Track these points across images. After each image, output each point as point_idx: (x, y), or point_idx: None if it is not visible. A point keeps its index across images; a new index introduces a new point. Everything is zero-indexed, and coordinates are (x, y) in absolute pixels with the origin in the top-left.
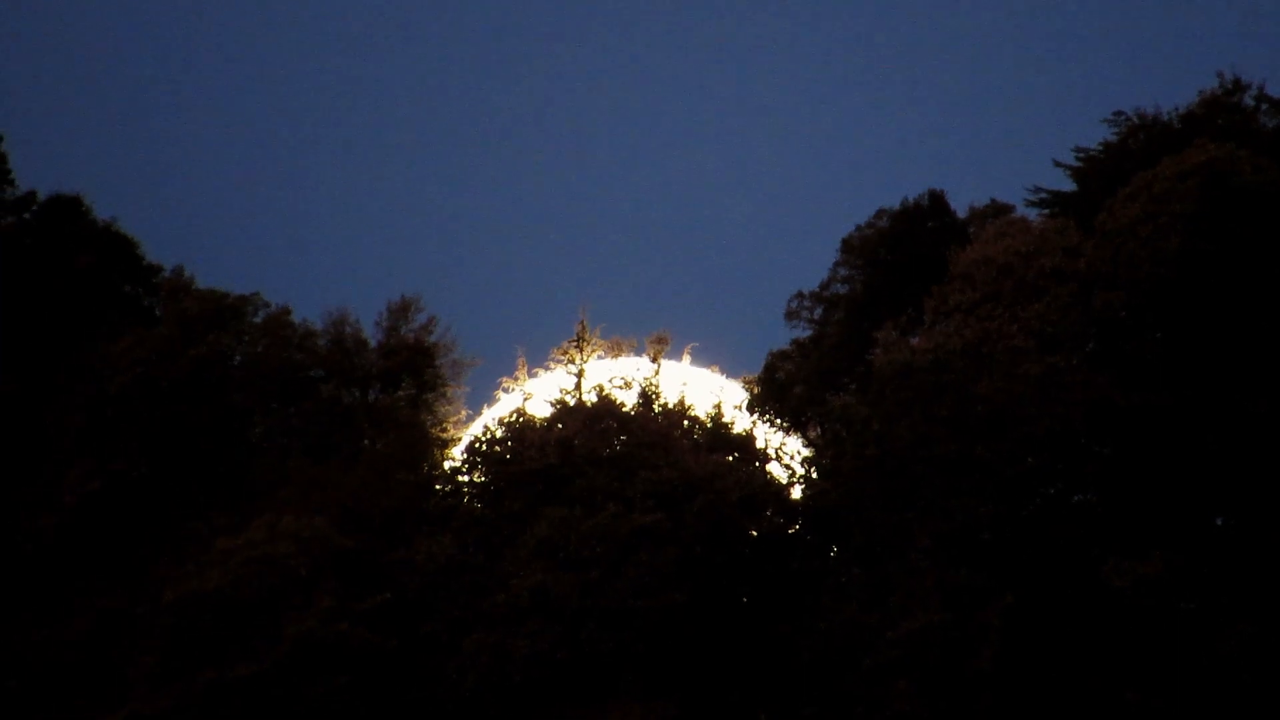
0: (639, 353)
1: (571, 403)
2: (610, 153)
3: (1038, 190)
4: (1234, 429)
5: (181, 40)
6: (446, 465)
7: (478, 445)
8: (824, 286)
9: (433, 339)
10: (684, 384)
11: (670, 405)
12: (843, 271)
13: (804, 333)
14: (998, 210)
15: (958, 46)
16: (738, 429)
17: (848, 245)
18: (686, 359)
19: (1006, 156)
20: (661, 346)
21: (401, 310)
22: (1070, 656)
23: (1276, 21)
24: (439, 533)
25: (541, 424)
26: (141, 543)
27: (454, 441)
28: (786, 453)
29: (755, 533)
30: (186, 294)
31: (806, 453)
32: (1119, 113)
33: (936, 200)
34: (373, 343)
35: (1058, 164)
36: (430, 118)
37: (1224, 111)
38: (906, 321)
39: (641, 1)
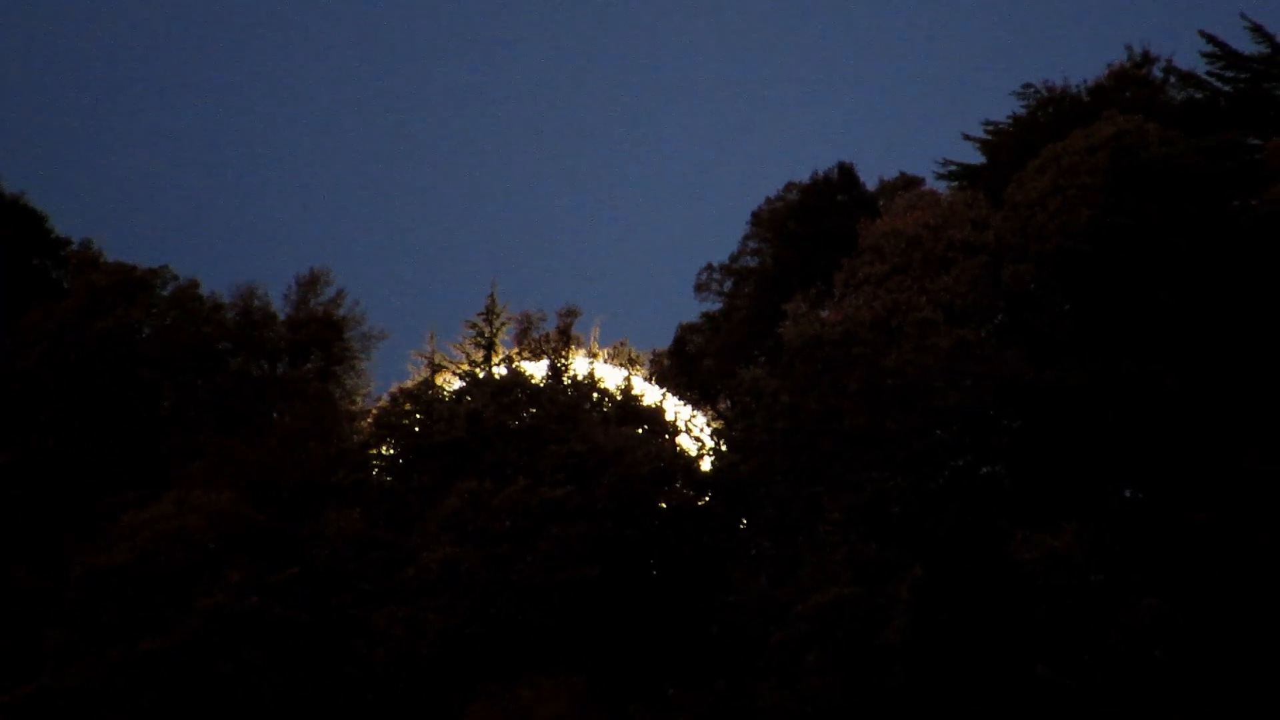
0: (549, 325)
1: (480, 375)
2: (521, 128)
3: (947, 163)
4: (1142, 402)
5: (89, 15)
6: (356, 438)
7: (387, 418)
8: (734, 259)
9: (341, 312)
10: (593, 356)
11: (580, 377)
12: (752, 244)
13: (714, 305)
14: (907, 183)
15: (867, 20)
16: (648, 402)
17: (757, 218)
18: (596, 332)
19: (915, 129)
20: (571, 319)
21: (310, 283)
22: (980, 630)
23: None
24: (349, 506)
25: (450, 396)
26: (51, 517)
27: (364, 415)
28: (697, 425)
29: (665, 506)
30: (95, 267)
31: (717, 425)
32: (1028, 85)
33: (846, 173)
34: (281, 316)
35: (967, 137)
36: (338, 92)
37: (1133, 84)
38: (816, 294)
39: None
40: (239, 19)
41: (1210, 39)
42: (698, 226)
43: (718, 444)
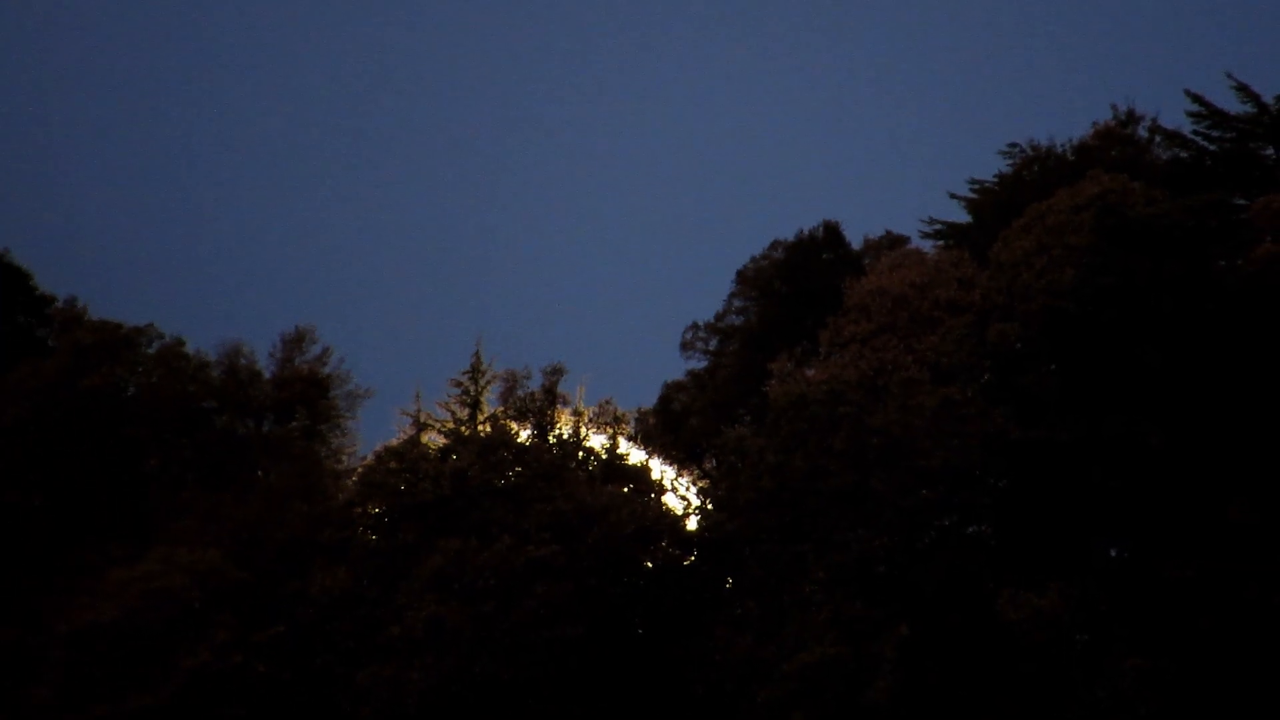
0: (535, 384)
1: (466, 434)
2: (507, 188)
3: (932, 221)
4: (1127, 459)
5: (66, 66)
6: (341, 497)
7: (372, 476)
8: (719, 317)
9: (327, 370)
10: (579, 415)
11: (565, 436)
12: (738, 303)
13: (699, 364)
14: (893, 242)
15: (852, 77)
16: (633, 460)
17: (743, 276)
18: (582, 390)
19: (901, 188)
20: (557, 377)
21: (295, 341)
22: (967, 689)
23: (1167, 54)
24: (334, 564)
25: (436, 454)
26: (36, 574)
27: (349, 473)
28: (682, 484)
29: (651, 564)
30: (80, 325)
31: (702, 484)
32: (1013, 144)
33: (831, 231)
34: (267, 374)
35: (953, 195)
36: (321, 150)
37: (1118, 143)
38: (801, 353)
39: (525, 37)
40: (224, 69)
41: (1196, 98)
42: (683, 285)
43: (703, 503)
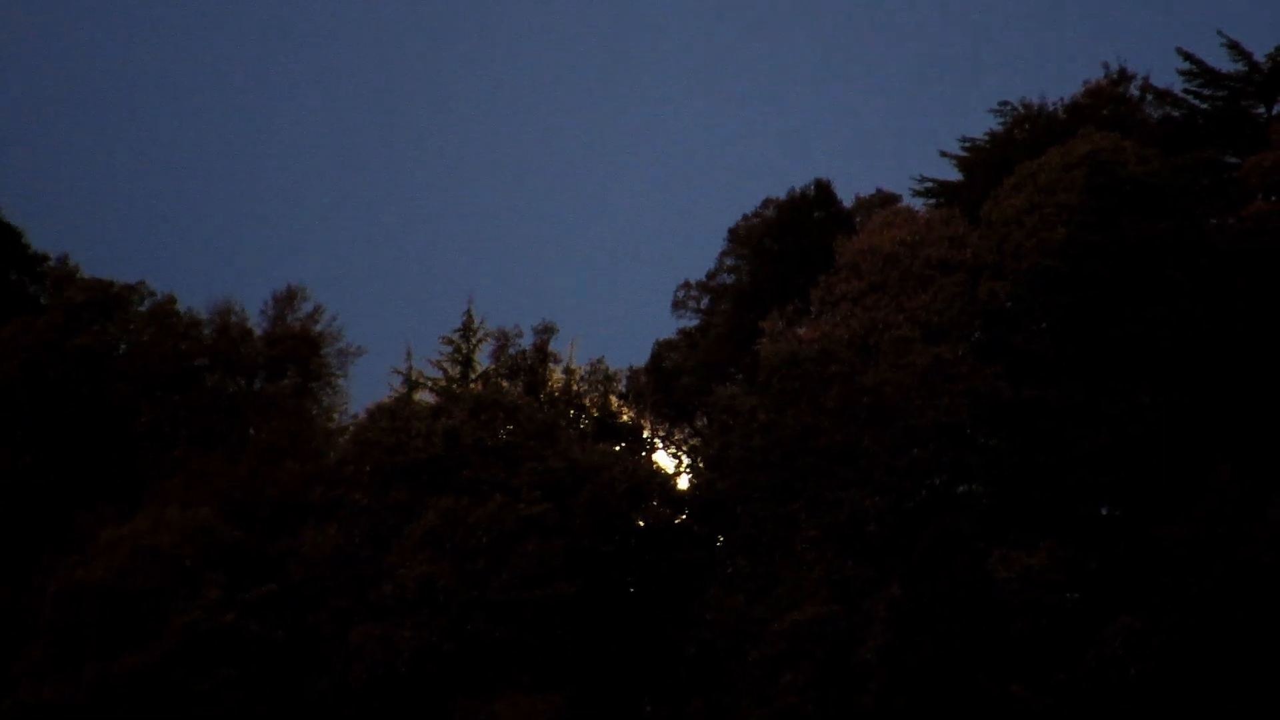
0: (527, 342)
1: (458, 392)
2: (498, 145)
3: (924, 180)
4: (1118, 418)
5: (65, 29)
6: (333, 455)
7: (364, 435)
8: (711, 276)
9: (318, 328)
10: (570, 373)
11: (557, 394)
12: (729, 261)
13: (691, 323)
14: (884, 200)
15: (843, 36)
16: (624, 419)
17: (734, 235)
18: (573, 349)
19: (892, 146)
20: (548, 335)
21: (287, 299)
22: (957, 648)
23: (1159, 12)
24: (325, 523)
25: (427, 413)
26: (27, 533)
27: (340, 431)
28: (673, 443)
29: (642, 523)
30: (72, 283)
31: (694, 443)
32: (1005, 103)
33: (823, 190)
34: (258, 332)
35: (944, 154)
36: (314, 105)
37: (1109, 102)
38: (793, 311)
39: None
40: (217, 32)
41: (1188, 57)
42: (675, 243)
43: (695, 461)
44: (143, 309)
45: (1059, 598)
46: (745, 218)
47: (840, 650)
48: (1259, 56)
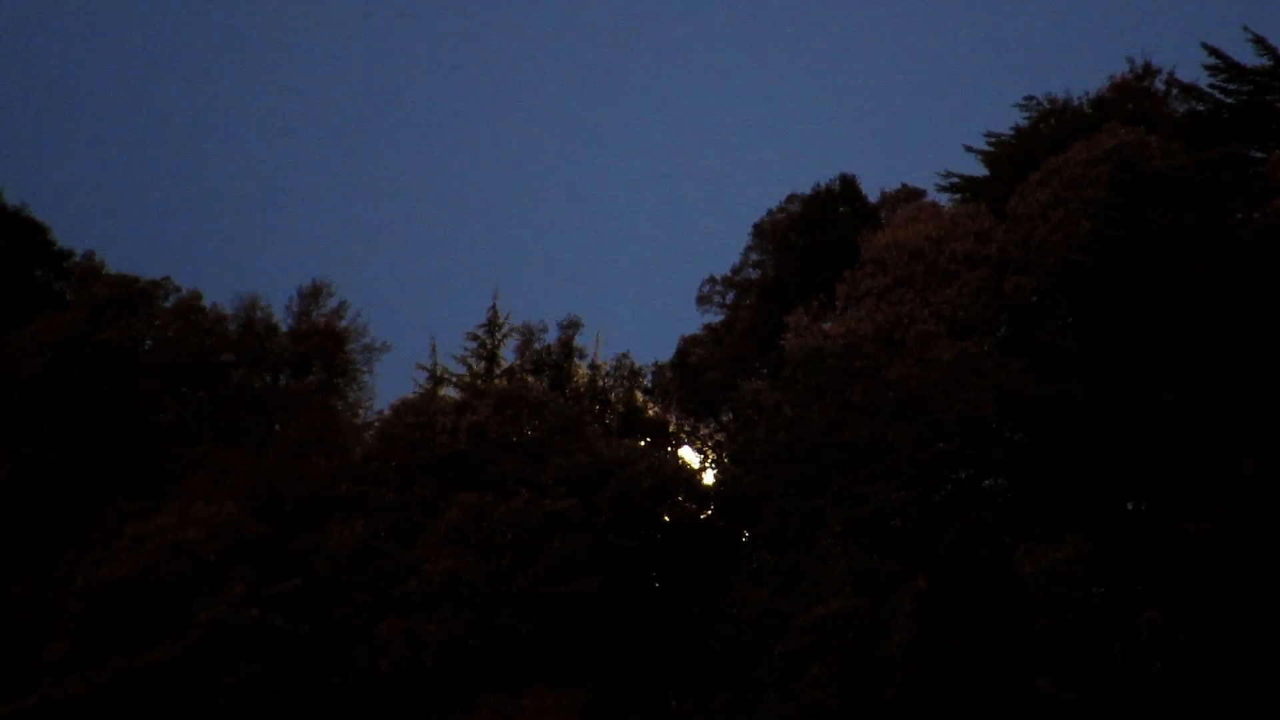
0: (551, 337)
1: (483, 387)
2: (522, 139)
3: (949, 175)
4: (1144, 413)
5: (91, 27)
6: (358, 451)
7: (389, 431)
8: (736, 271)
9: (344, 324)
10: (595, 368)
11: (582, 390)
12: (754, 256)
13: (716, 318)
14: (909, 195)
15: (869, 30)
16: (650, 414)
17: (759, 230)
18: (598, 344)
19: (918, 141)
20: (573, 330)
21: (312, 295)
22: (982, 642)
23: (1184, 7)
24: (350, 518)
25: (452, 409)
26: (51, 529)
27: (366, 427)
28: (699, 438)
29: (667, 518)
30: (97, 279)
31: (719, 438)
32: (1030, 97)
33: (848, 185)
34: (284, 328)
35: (969, 149)
36: (341, 102)
37: (1135, 96)
38: (818, 306)
39: None
40: (241, 29)
41: (1213, 51)
42: (700, 238)
43: (720, 456)
44: (168, 305)
45: (1084, 592)
46: (770, 213)
47: (865, 644)
48: None
